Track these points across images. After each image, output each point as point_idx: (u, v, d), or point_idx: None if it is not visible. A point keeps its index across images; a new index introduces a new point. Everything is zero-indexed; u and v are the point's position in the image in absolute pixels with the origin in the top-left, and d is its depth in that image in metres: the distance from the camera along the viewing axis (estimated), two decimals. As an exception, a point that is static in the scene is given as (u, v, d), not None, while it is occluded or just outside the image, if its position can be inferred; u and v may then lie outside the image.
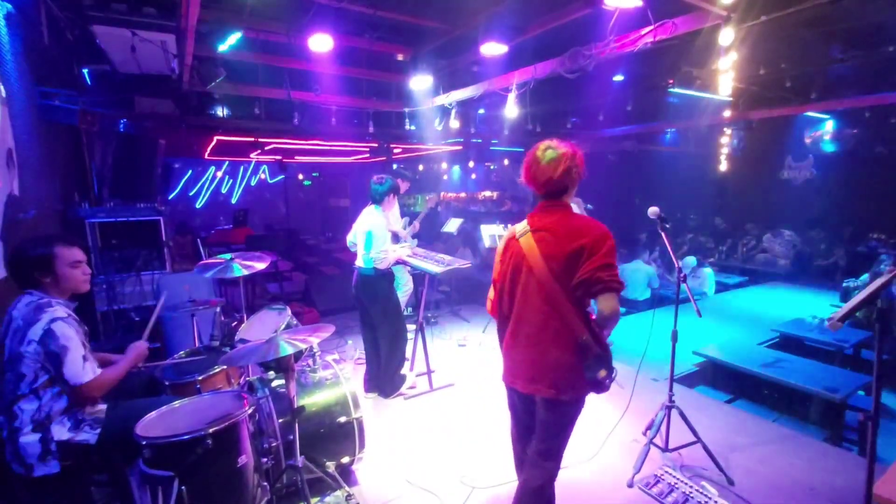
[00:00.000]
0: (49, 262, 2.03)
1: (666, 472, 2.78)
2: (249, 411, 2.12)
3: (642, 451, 2.82)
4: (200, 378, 2.59)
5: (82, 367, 1.98)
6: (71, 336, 1.97)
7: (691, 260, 7.11)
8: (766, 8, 3.47)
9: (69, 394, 2.02)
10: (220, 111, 6.41)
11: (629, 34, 3.76)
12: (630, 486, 2.69)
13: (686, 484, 2.66)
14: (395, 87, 6.76)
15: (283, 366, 2.25)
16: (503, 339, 2.05)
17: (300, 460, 2.31)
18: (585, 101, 7.17)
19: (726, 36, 3.50)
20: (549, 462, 2.00)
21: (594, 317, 1.86)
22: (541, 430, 1.97)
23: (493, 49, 4.23)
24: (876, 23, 4.47)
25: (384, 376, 3.82)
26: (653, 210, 2.72)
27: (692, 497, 2.56)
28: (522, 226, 1.98)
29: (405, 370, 3.92)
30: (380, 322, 3.73)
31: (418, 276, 4.15)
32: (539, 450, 1.99)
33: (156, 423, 2.00)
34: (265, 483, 2.26)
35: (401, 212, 4.97)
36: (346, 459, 2.69)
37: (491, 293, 2.14)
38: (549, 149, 1.88)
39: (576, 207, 2.18)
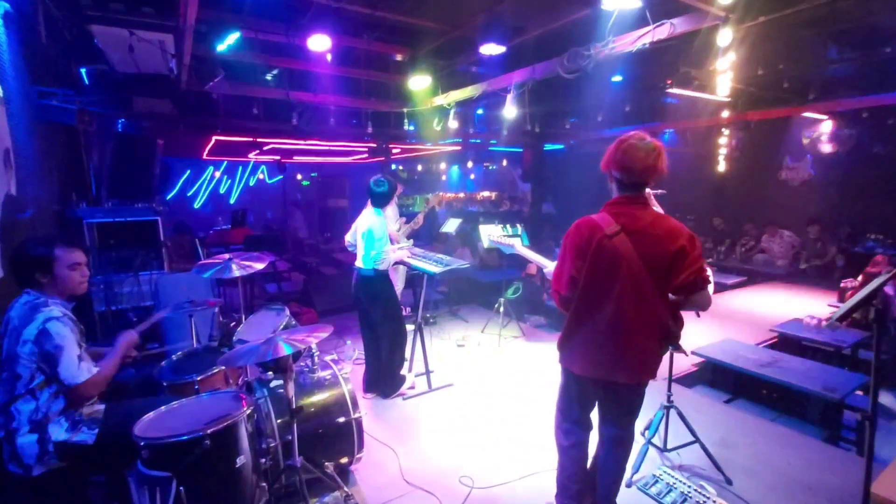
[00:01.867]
0: (48, 262, 2.04)
1: (664, 471, 2.79)
2: (248, 412, 2.12)
3: (640, 450, 2.82)
4: (199, 378, 2.58)
5: (77, 366, 1.97)
6: (66, 335, 1.96)
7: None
8: (764, 9, 3.47)
9: (65, 394, 2.02)
10: (219, 109, 6.41)
11: (627, 34, 3.77)
12: (628, 485, 2.69)
13: (684, 483, 2.66)
14: (393, 88, 6.76)
15: (281, 366, 2.25)
16: (582, 332, 2.06)
17: (299, 461, 2.31)
18: (584, 102, 7.17)
19: (724, 36, 3.50)
20: (634, 428, 2.23)
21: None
22: (628, 410, 2.16)
23: (491, 49, 4.23)
24: (873, 24, 4.48)
25: (384, 377, 3.82)
26: (651, 210, 2.72)
27: (690, 496, 2.56)
28: (607, 222, 1.96)
29: (404, 370, 3.92)
30: (380, 323, 3.73)
31: (417, 277, 4.15)
32: (630, 422, 2.19)
33: (154, 423, 1.99)
34: (263, 483, 2.26)
35: (399, 211, 4.96)
36: (344, 460, 2.69)
37: (555, 286, 2.14)
38: (644, 139, 1.95)
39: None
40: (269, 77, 5.83)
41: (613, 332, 1.98)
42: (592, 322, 2.02)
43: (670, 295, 1.98)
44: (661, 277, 1.92)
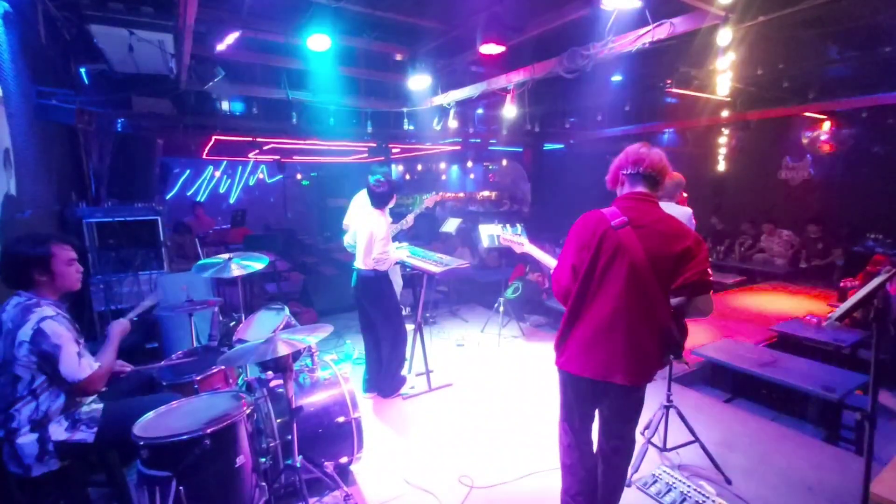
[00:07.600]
0: (48, 260, 2.04)
1: (664, 471, 2.79)
2: (247, 411, 2.12)
3: (640, 450, 2.82)
4: (198, 378, 2.58)
5: (78, 363, 1.97)
6: (62, 333, 1.96)
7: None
8: (763, 8, 3.47)
9: (68, 391, 2.02)
10: (219, 109, 6.41)
11: (627, 34, 3.77)
12: (628, 485, 2.69)
13: (684, 483, 2.67)
14: (393, 87, 6.76)
15: (281, 366, 2.24)
16: (580, 328, 1.98)
17: (298, 460, 2.31)
18: (584, 102, 7.18)
19: (724, 36, 3.50)
20: (634, 437, 2.18)
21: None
22: (627, 417, 2.11)
23: (491, 49, 4.23)
24: (873, 23, 4.47)
25: (384, 377, 3.82)
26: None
27: (690, 496, 2.56)
28: (614, 214, 1.95)
29: (404, 370, 3.92)
30: (380, 323, 3.72)
31: (417, 277, 4.15)
32: (630, 430, 2.14)
33: (153, 423, 2.00)
34: (263, 483, 2.26)
35: (398, 212, 4.94)
36: (344, 459, 2.69)
37: (555, 276, 2.09)
38: (647, 145, 2.04)
39: None
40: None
41: (612, 328, 1.90)
42: (591, 317, 1.94)
43: (672, 299, 1.94)
44: (664, 275, 1.88)
